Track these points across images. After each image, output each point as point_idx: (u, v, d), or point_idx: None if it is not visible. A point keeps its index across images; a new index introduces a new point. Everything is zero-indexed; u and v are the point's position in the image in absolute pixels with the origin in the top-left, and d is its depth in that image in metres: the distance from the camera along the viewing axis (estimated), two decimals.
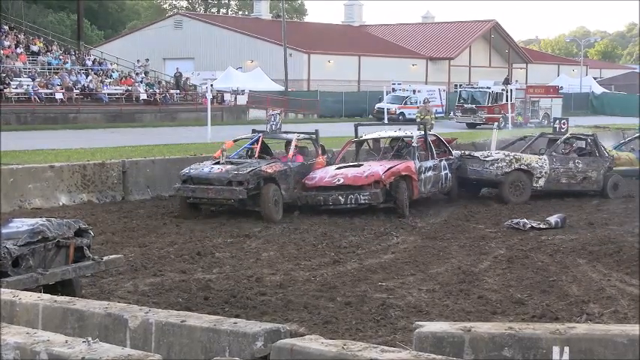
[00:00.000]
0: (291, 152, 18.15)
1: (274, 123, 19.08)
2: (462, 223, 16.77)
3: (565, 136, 21.44)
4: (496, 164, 19.75)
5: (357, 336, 8.71)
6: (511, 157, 20.05)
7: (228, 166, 17.19)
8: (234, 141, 19.48)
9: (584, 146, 21.72)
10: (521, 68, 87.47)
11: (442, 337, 5.48)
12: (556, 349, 5.33)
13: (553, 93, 57.05)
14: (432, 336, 5.50)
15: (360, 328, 9.25)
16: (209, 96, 36.30)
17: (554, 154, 20.61)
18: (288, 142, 18.67)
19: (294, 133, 19.39)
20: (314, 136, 19.37)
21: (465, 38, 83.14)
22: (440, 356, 4.88)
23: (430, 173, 18.62)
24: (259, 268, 12.37)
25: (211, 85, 40.16)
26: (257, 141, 18.52)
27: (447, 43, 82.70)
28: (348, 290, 11.00)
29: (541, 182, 20.13)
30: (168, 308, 8.21)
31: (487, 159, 19.95)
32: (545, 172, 20.12)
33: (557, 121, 22.55)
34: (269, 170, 17.02)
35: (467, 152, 21.12)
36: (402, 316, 9.76)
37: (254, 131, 19.46)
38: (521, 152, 20.99)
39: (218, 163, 17.54)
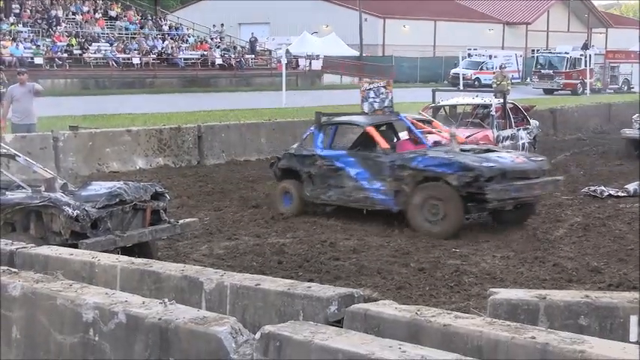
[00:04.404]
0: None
1: (382, 99, 14.76)
2: None
3: None
4: None
5: (431, 302, 8.69)
6: None
7: (519, 153, 14.15)
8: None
9: None
10: (600, 33, 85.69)
11: (517, 304, 5.42)
12: (634, 319, 5.24)
13: (634, 58, 55.88)
14: (507, 303, 5.44)
15: (433, 294, 9.23)
16: (284, 61, 36.34)
17: None
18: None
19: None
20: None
21: (543, 2, 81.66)
22: (514, 323, 4.83)
23: (507, 143, 18.35)
24: (333, 233, 12.38)
25: (287, 50, 39.84)
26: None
27: (525, 8, 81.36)
28: (422, 256, 10.97)
29: None
30: (243, 272, 8.28)
31: None
32: None
33: None
34: None
35: None
36: (475, 282, 9.70)
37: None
38: None
39: (468, 151, 13.30)
